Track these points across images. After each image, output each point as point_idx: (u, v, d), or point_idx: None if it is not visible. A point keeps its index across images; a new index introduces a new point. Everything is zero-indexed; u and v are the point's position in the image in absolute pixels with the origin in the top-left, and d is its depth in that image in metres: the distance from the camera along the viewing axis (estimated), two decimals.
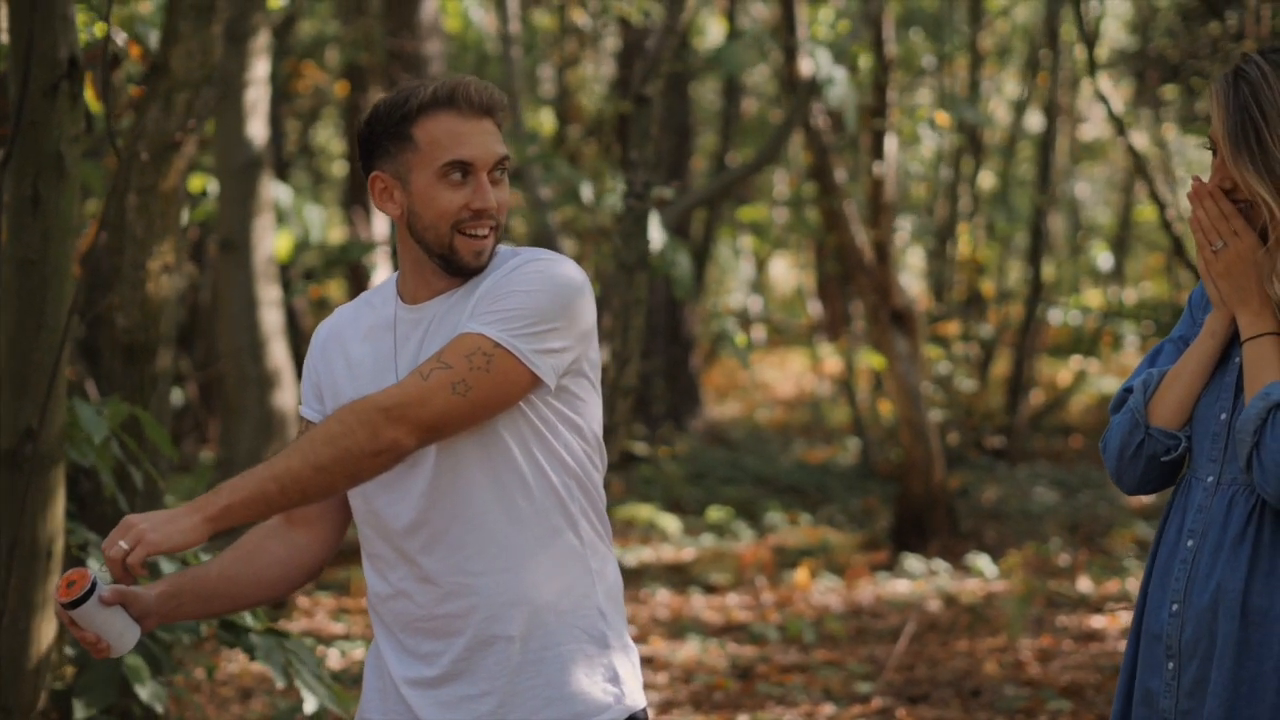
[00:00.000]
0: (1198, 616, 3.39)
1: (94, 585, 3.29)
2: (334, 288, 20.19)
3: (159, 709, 5.42)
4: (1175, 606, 3.42)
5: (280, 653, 5.58)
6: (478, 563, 3.48)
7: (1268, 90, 3.27)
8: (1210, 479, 3.43)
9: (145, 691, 5.37)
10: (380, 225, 16.75)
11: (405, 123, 3.48)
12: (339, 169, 21.84)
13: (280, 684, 5.52)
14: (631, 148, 6.94)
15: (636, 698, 3.58)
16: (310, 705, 5.67)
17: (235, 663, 9.09)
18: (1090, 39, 11.33)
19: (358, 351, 3.59)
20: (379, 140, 3.52)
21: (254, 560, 3.59)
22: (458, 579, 3.48)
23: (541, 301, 3.41)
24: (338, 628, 10.07)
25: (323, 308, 21.07)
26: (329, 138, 22.58)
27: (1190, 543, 3.42)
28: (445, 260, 3.50)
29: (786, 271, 27.30)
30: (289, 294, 13.84)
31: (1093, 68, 11.23)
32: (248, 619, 5.60)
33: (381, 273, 14.86)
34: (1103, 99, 11.19)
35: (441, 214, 3.46)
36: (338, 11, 16.77)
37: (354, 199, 17.25)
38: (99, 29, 7.38)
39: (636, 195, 6.82)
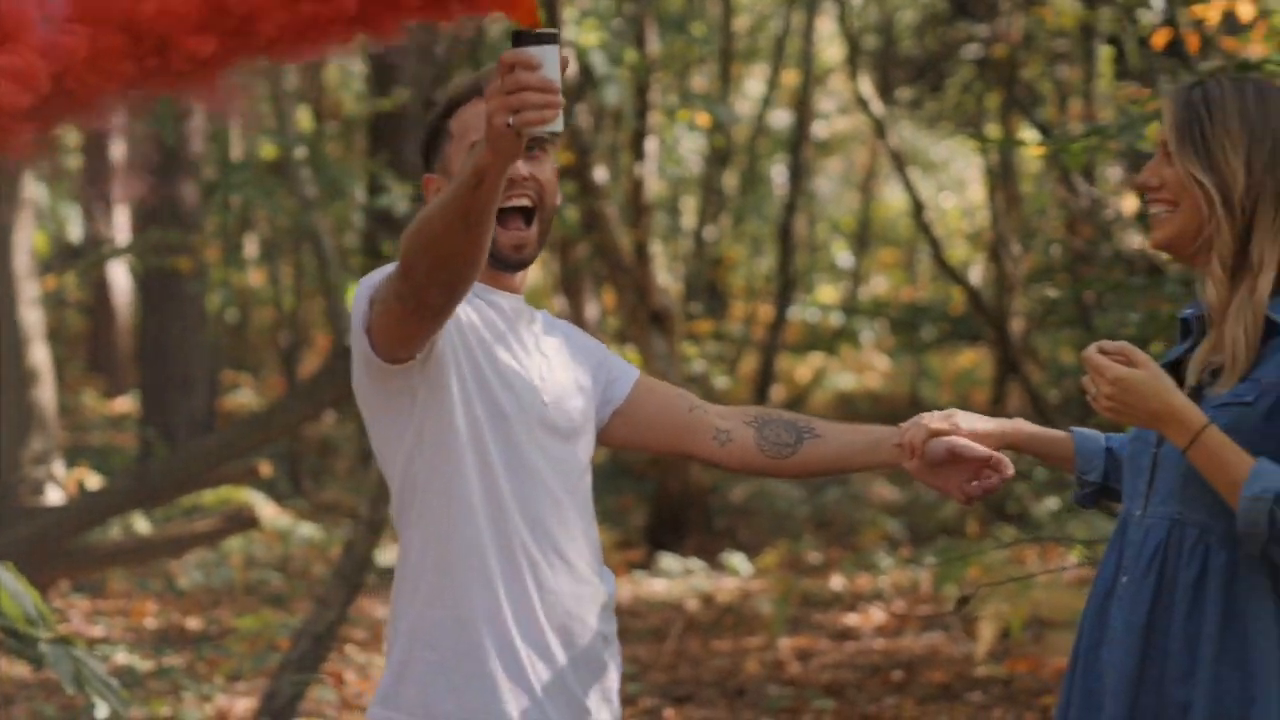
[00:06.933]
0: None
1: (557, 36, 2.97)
2: (69, 281, 19.74)
3: None
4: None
5: (69, 660, 5.48)
6: (585, 550, 3.46)
7: (1219, 97, 3.36)
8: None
9: None
10: (122, 221, 16.39)
11: (444, 118, 3.47)
12: (74, 162, 21.34)
13: (71, 691, 5.42)
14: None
15: None
16: (103, 711, 5.59)
17: None
18: (854, 40, 11.56)
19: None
20: (428, 145, 3.50)
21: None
22: (582, 566, 3.43)
23: None
24: (96, 630, 9.88)
25: (60, 303, 20.61)
26: (64, 129, 22.05)
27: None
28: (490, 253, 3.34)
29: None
30: None
31: (854, 71, 11.45)
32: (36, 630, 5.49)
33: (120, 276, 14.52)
34: (862, 101, 11.43)
35: None
36: None
37: (90, 192, 16.85)
38: None
39: None
